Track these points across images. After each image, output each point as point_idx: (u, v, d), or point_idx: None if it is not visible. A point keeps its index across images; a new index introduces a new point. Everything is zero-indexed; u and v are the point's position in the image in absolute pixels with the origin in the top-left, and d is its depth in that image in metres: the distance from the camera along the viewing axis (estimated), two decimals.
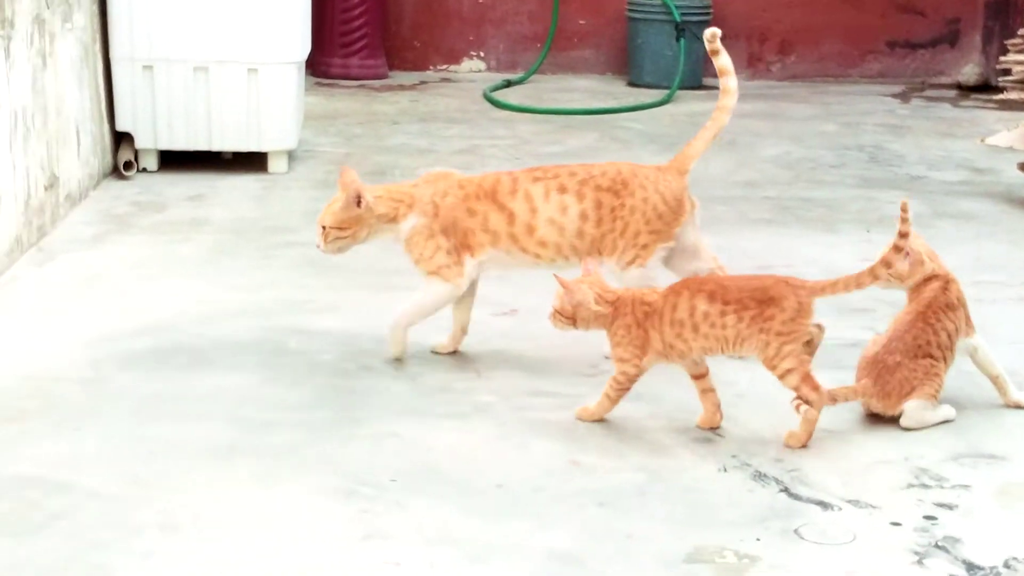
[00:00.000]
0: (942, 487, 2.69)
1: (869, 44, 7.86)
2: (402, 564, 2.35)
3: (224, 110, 5.13)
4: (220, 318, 3.58)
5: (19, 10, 3.97)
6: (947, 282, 3.10)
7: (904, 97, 7.39)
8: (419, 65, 7.82)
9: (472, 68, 7.86)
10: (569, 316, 2.93)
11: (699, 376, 2.94)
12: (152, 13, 5.01)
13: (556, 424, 2.95)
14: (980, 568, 2.38)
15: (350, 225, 3.21)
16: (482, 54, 7.85)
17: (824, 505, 2.61)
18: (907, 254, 2.97)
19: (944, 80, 7.82)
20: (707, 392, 2.94)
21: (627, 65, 7.62)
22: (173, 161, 5.21)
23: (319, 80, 7.33)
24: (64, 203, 4.45)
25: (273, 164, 5.25)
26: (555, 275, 2.95)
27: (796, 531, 2.50)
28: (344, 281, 3.92)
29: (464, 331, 3.38)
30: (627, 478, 2.70)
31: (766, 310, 2.81)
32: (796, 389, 2.83)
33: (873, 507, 2.60)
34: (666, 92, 7.10)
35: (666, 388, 3.15)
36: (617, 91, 7.40)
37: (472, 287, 3.35)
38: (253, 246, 4.28)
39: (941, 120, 6.76)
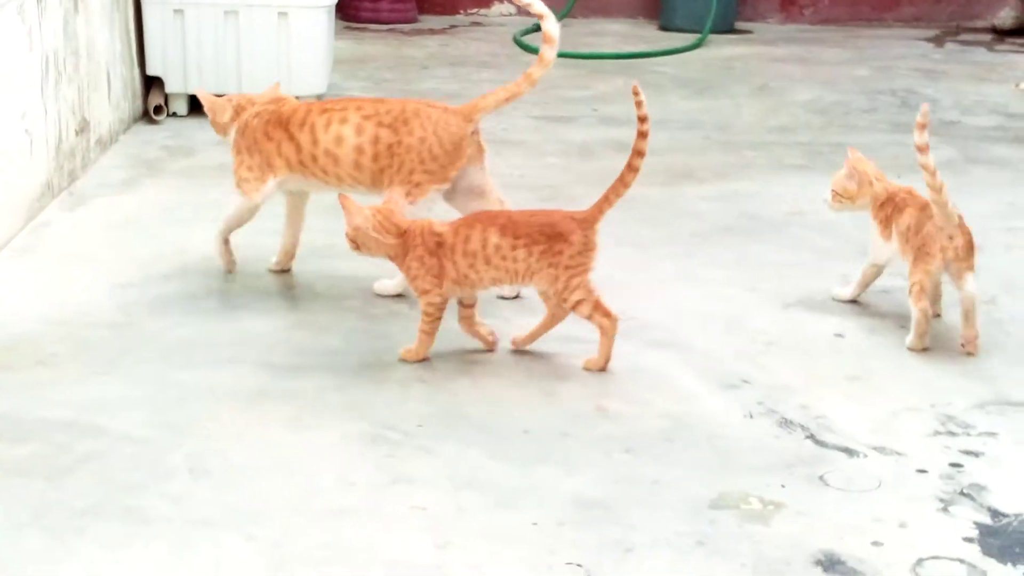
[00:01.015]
0: (968, 435, 2.69)
1: None
2: (428, 508, 2.37)
3: (254, 54, 5.12)
4: (249, 263, 3.58)
5: None
6: (909, 192, 3.24)
7: (938, 41, 7.31)
8: (449, 9, 7.78)
9: (502, 12, 7.81)
10: (352, 239, 2.98)
11: (468, 306, 3.01)
12: None
13: (583, 371, 2.95)
14: (1005, 515, 2.39)
15: (212, 120, 3.53)
16: None
17: (850, 452, 2.61)
18: (644, 135, 2.98)
19: (979, 24, 7.72)
20: (472, 324, 3.03)
21: (658, 9, 7.56)
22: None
23: (349, 24, 7.30)
24: (95, 147, 4.47)
25: None
26: (340, 196, 3.00)
27: (821, 478, 2.51)
28: None
29: (289, 254, 3.56)
30: (653, 424, 2.71)
31: (555, 245, 2.88)
32: (589, 318, 2.91)
33: (899, 454, 2.60)
34: (698, 36, 7.04)
35: (693, 335, 3.15)
36: (648, 35, 7.34)
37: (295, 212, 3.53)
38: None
39: (976, 64, 6.68)
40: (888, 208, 3.24)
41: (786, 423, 2.73)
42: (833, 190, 3.31)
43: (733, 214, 4.12)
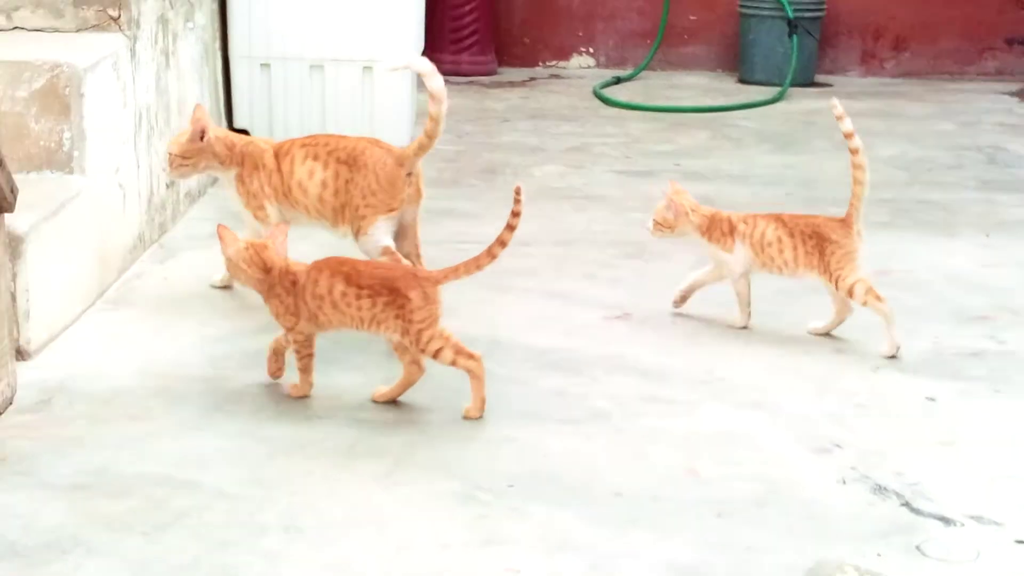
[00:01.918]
0: None
1: (986, 40, 7.71)
2: (522, 571, 2.36)
3: (338, 108, 5.19)
4: None
5: (144, 11, 4.05)
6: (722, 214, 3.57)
7: (1023, 95, 7.23)
8: (528, 61, 7.83)
9: (581, 64, 7.85)
10: (227, 269, 3.15)
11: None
12: (270, 11, 5.08)
13: (672, 431, 2.94)
14: None
15: (192, 155, 3.63)
16: (591, 50, 7.84)
17: (946, 521, 2.57)
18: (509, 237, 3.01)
19: None
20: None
21: (737, 62, 7.56)
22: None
23: None
24: (184, 200, 4.54)
25: None
26: (218, 226, 3.16)
27: (918, 547, 2.47)
28: (460, 282, 3.93)
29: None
30: (745, 488, 2.69)
31: (398, 299, 2.96)
32: (454, 363, 2.96)
33: (997, 524, 2.56)
34: (778, 89, 7.04)
35: (783, 396, 3.13)
36: (727, 88, 7.34)
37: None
38: None
39: None
40: (723, 226, 3.53)
41: (880, 489, 2.70)
42: (655, 220, 3.58)
43: None
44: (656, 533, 2.50)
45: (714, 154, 5.76)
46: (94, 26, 3.90)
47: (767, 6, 7.30)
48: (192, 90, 4.65)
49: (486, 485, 2.67)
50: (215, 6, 5.02)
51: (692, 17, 7.75)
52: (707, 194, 5.05)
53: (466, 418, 2.97)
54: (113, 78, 3.79)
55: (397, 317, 2.96)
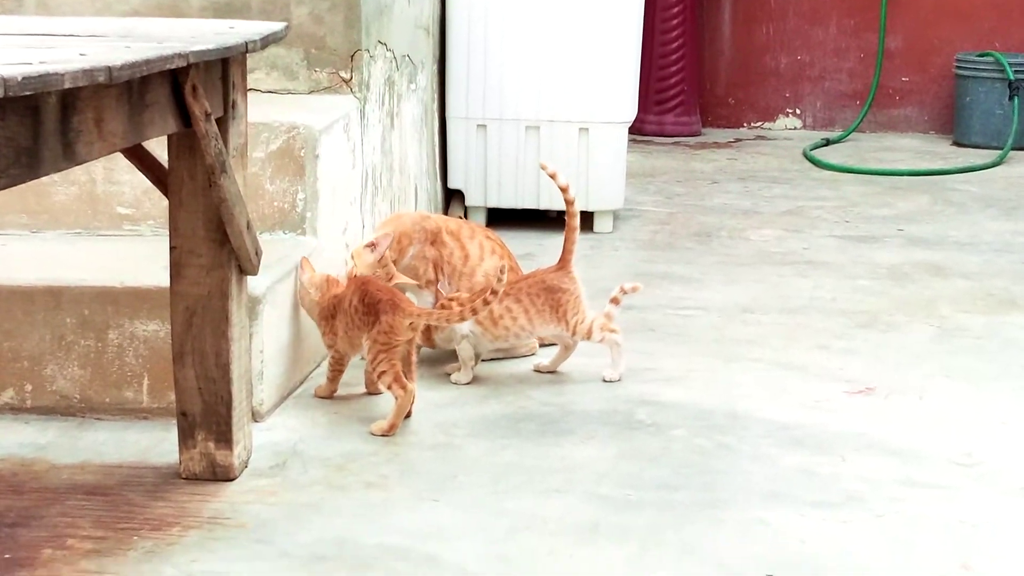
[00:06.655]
0: None
1: None
2: None
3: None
4: (565, 384, 3.52)
5: (374, 73, 4.04)
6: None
7: None
8: (733, 122, 7.70)
9: (787, 126, 7.68)
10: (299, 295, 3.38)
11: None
12: (488, 74, 5.05)
13: (937, 520, 2.75)
14: None
15: (402, 247, 3.63)
16: (798, 111, 7.67)
17: None
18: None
19: None
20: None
21: (952, 124, 7.30)
22: (499, 219, 5.22)
23: (633, 136, 7.26)
24: None
25: (599, 224, 5.20)
26: (303, 258, 3.34)
27: None
28: (687, 348, 3.82)
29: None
30: None
31: (372, 319, 3.15)
32: (389, 388, 3.13)
33: None
34: (997, 152, 6.76)
35: None
36: (942, 151, 7.09)
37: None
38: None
39: None
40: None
41: None
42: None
43: None
44: None
45: (937, 219, 5.53)
46: (326, 88, 3.90)
47: (986, 67, 7.04)
48: (413, 151, 4.64)
49: (743, 572, 2.52)
50: (436, 68, 5.01)
51: (904, 78, 7.53)
52: (936, 262, 4.85)
53: (372, 433, 3.12)
54: (344, 139, 3.78)
55: (367, 337, 3.15)
